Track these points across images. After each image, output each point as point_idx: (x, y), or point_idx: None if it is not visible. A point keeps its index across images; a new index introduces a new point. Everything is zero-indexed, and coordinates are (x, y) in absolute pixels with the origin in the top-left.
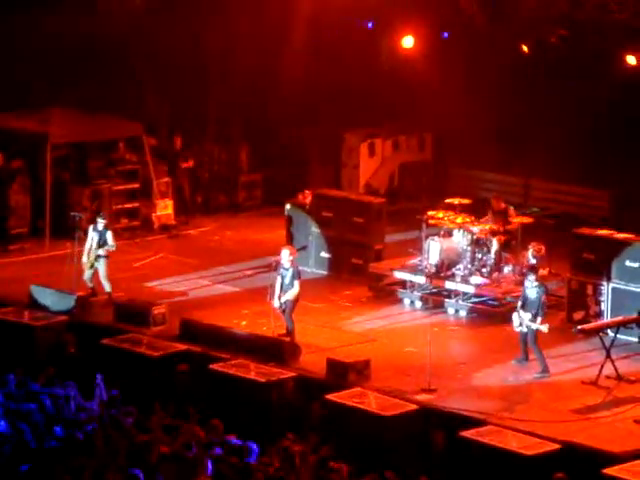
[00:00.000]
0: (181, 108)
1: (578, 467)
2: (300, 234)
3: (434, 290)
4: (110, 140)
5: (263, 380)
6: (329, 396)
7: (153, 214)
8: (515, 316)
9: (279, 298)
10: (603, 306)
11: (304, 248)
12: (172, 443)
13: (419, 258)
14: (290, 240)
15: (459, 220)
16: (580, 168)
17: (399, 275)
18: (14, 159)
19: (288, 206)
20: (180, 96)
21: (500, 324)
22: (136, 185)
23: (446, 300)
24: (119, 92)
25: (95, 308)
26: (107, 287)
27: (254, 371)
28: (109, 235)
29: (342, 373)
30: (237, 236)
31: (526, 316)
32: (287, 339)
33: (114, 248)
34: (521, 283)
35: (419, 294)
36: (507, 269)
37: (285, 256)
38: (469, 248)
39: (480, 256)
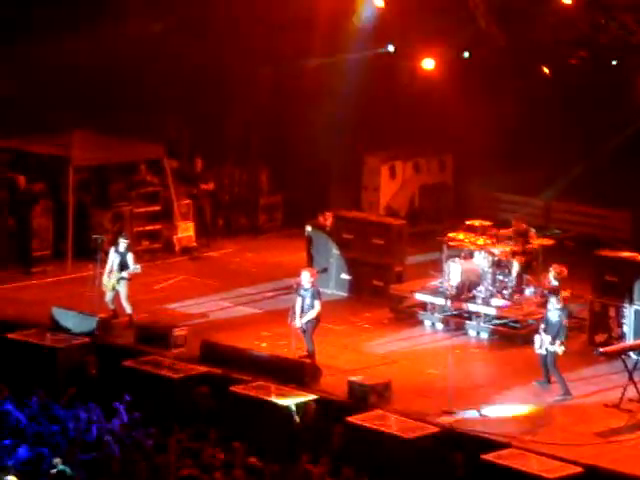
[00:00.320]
0: (202, 131)
1: None
2: (320, 256)
3: (455, 312)
4: (131, 163)
5: (284, 402)
6: (350, 418)
7: (174, 236)
8: (537, 338)
9: (300, 320)
10: (625, 328)
11: (325, 270)
12: (193, 465)
13: (440, 280)
14: (310, 262)
15: (480, 242)
16: (601, 189)
17: (420, 297)
18: (36, 182)
19: (309, 228)
20: (201, 119)
21: (521, 346)
22: (157, 207)
23: (467, 322)
24: (140, 115)
25: (116, 330)
26: (128, 309)
27: (275, 393)
28: (130, 257)
29: (363, 395)
30: (258, 258)
31: (547, 339)
32: (308, 361)
33: (139, 270)
34: (543, 305)
35: (440, 316)
36: (528, 291)
37: (305, 278)
38: (490, 270)
39: (501, 278)
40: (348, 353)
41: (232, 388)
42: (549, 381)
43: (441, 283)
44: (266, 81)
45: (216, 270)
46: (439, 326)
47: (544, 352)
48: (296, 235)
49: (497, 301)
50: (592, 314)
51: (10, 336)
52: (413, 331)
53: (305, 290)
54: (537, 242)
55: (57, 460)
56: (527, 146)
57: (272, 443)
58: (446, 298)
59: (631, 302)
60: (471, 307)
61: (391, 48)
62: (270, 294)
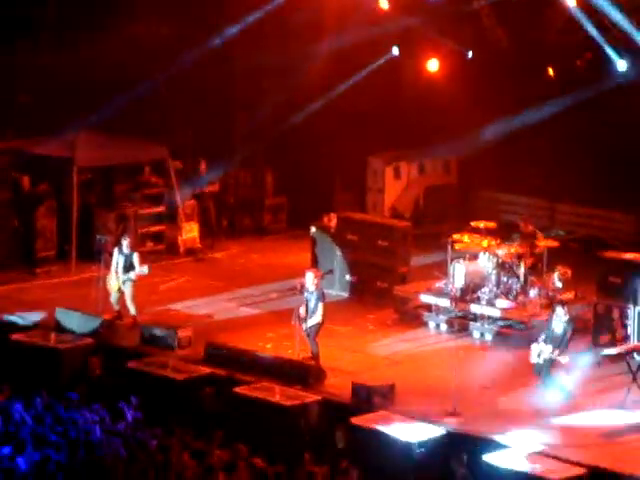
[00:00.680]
0: (206, 132)
1: None
2: (325, 257)
3: (460, 313)
4: (136, 164)
5: (288, 404)
6: (354, 420)
7: (179, 237)
8: (534, 347)
9: (304, 321)
10: (629, 330)
11: (330, 272)
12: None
13: (444, 281)
14: (315, 263)
15: (484, 243)
16: (605, 191)
17: (424, 298)
18: (40, 183)
19: (313, 229)
20: (205, 120)
21: (526, 348)
22: (161, 209)
23: (471, 323)
24: (144, 116)
25: (121, 331)
26: (132, 310)
27: (279, 394)
28: (135, 258)
29: (367, 397)
30: (262, 259)
31: (547, 348)
32: (312, 362)
33: (146, 272)
34: (547, 307)
35: (444, 317)
36: (533, 292)
37: (310, 279)
38: (494, 271)
39: (506, 279)
40: (352, 354)
41: (236, 389)
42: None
43: (446, 284)
44: (271, 83)
45: (220, 271)
46: (443, 327)
47: (540, 361)
48: (301, 236)
49: (501, 302)
50: (596, 315)
51: (14, 337)
52: (417, 332)
53: (310, 292)
54: (542, 244)
55: None
56: (533, 148)
57: (276, 444)
58: (450, 300)
59: (635, 303)
60: (475, 309)
61: (396, 51)
62: (274, 295)
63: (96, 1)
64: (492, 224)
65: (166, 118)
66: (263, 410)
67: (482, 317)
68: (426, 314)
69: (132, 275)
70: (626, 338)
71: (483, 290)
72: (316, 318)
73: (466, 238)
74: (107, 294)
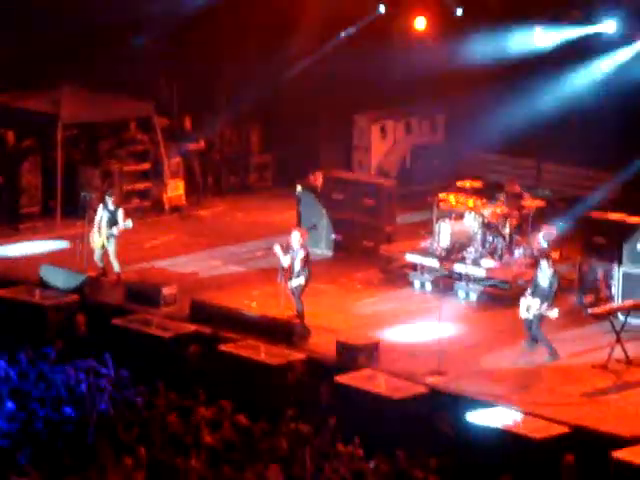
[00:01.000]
0: (191, 89)
1: (587, 450)
2: (310, 216)
3: (445, 273)
4: (121, 120)
5: (273, 362)
6: (338, 378)
7: (164, 195)
8: (523, 302)
9: (289, 280)
10: (614, 290)
11: (314, 227)
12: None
13: (430, 241)
14: (300, 222)
15: (470, 203)
16: (592, 151)
17: (410, 258)
18: (25, 139)
19: (299, 187)
20: (190, 76)
21: (511, 307)
22: (147, 166)
23: (457, 283)
24: (130, 72)
25: (105, 288)
26: (116, 267)
27: (264, 352)
28: (120, 214)
29: (352, 355)
30: (248, 217)
31: (535, 303)
32: (297, 321)
33: (130, 226)
34: (532, 266)
35: (430, 277)
36: (518, 252)
37: (295, 238)
38: (480, 231)
39: (491, 239)
40: (337, 313)
41: (221, 347)
42: (536, 341)
43: (431, 244)
44: (258, 40)
45: (206, 229)
46: (429, 287)
47: (530, 316)
48: (286, 194)
49: (487, 262)
50: (580, 275)
51: None
52: (403, 292)
53: (295, 251)
54: (529, 204)
55: None
56: (520, 107)
57: (261, 402)
58: (436, 259)
59: (619, 264)
60: (460, 268)
61: (382, 9)
62: (260, 253)
63: None
64: (478, 184)
65: (151, 74)
66: (248, 368)
67: (467, 277)
68: (412, 273)
69: (115, 231)
70: (610, 298)
71: (468, 250)
72: (301, 278)
73: (452, 198)
74: (92, 251)
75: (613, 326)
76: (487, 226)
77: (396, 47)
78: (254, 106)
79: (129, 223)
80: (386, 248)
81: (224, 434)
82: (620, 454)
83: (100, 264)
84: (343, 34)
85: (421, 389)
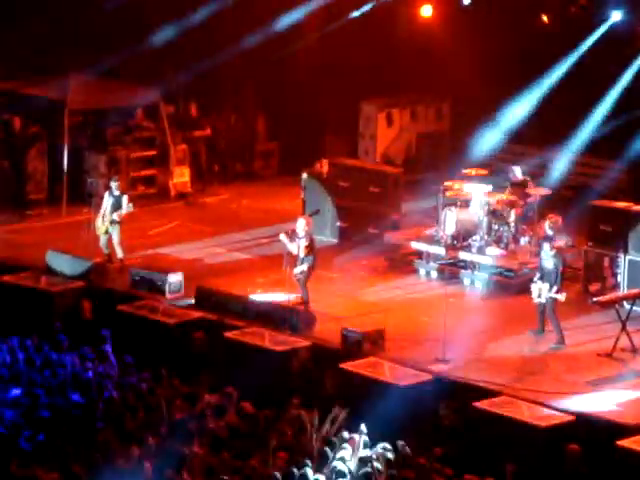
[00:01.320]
0: (198, 76)
1: (592, 439)
2: (316, 203)
3: (450, 261)
4: (128, 107)
5: (278, 349)
6: (343, 365)
7: (170, 181)
8: (534, 287)
9: (294, 267)
10: (620, 278)
11: (317, 212)
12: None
13: (435, 228)
14: (306, 209)
15: (476, 191)
16: (599, 139)
17: (415, 245)
18: (32, 125)
19: (304, 175)
20: (197, 64)
21: (516, 295)
22: (153, 152)
23: (462, 271)
24: (136, 59)
25: (111, 274)
26: (119, 253)
27: (269, 339)
28: (124, 200)
29: (357, 342)
30: (253, 204)
31: (545, 287)
32: (302, 308)
33: (131, 209)
34: (537, 254)
35: (435, 265)
36: (524, 240)
37: (301, 225)
38: (485, 219)
39: (497, 227)
40: (342, 300)
41: (227, 334)
42: (543, 330)
43: (436, 232)
44: (263, 27)
45: (211, 216)
46: (434, 274)
47: (543, 300)
48: (292, 182)
49: (492, 250)
50: (586, 264)
51: (4, 279)
52: (408, 279)
53: (300, 239)
54: (534, 192)
55: None
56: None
57: (266, 389)
58: (441, 246)
59: (625, 252)
60: (466, 256)
61: None
62: (265, 240)
63: None
64: (484, 171)
65: (158, 61)
66: (253, 355)
67: (472, 264)
68: (417, 261)
69: (115, 216)
70: (616, 286)
71: (474, 238)
72: (306, 264)
73: (457, 185)
74: (97, 237)
75: (619, 315)
76: (492, 214)
77: (402, 34)
78: (259, 93)
79: (130, 206)
80: (391, 235)
81: (229, 421)
82: (625, 442)
83: (105, 250)
84: (349, 19)
85: (426, 377)
